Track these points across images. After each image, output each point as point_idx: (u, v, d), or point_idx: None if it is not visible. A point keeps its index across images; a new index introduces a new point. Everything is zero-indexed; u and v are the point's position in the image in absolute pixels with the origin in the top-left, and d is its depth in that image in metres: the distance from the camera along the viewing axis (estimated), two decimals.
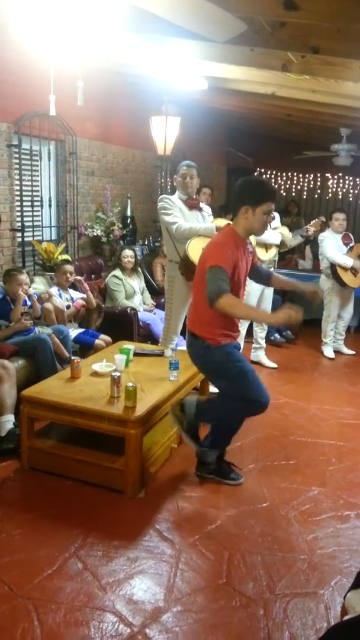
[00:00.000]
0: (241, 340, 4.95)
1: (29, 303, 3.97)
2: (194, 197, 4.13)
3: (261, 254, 4.71)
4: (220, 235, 2.89)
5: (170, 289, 4.13)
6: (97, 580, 2.29)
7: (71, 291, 4.58)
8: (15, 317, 3.82)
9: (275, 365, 5.16)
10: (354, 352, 5.73)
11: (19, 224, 4.72)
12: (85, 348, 4.31)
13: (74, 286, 4.60)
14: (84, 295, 4.56)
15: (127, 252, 5.21)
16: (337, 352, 5.71)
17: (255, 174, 9.88)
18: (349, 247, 5.49)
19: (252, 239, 3.72)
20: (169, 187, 7.29)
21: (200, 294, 2.79)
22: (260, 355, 5.24)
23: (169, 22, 1.87)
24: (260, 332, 5.17)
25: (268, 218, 2.76)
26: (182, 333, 4.56)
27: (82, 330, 4.49)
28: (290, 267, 6.57)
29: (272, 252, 4.82)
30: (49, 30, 3.10)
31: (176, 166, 4.19)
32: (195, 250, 3.80)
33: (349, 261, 5.33)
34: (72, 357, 3.50)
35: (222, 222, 4.15)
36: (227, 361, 2.84)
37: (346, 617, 1.70)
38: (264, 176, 9.52)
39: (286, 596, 2.23)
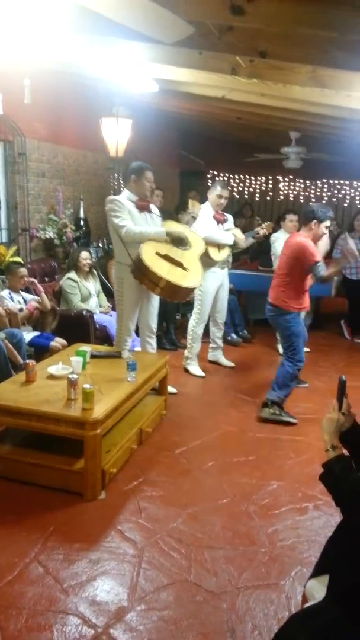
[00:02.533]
0: (198, 341, 5.00)
1: None
2: (146, 198, 4.10)
3: (214, 254, 4.77)
4: (301, 238, 3.96)
5: (120, 291, 4.07)
6: (58, 584, 2.26)
7: (23, 293, 4.50)
8: None
9: (232, 365, 5.23)
10: (308, 350, 5.86)
11: None
12: (40, 351, 4.25)
13: (27, 288, 4.52)
14: (37, 298, 4.49)
15: (85, 254, 5.17)
16: None
17: (208, 176, 10.01)
18: None
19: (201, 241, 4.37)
20: (122, 188, 7.27)
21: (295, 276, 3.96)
22: (217, 355, 5.30)
23: (117, 23, 1.88)
24: (217, 332, 5.23)
25: (327, 230, 3.95)
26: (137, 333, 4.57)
27: (36, 333, 4.42)
28: (246, 268, 6.67)
29: (225, 253, 4.89)
30: None
31: (128, 168, 4.15)
32: (148, 254, 3.78)
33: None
34: (27, 361, 3.44)
35: (172, 224, 4.17)
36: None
37: (306, 605, 1.75)
38: (219, 178, 9.64)
39: (248, 589, 2.27)
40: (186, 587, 2.27)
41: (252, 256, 7.10)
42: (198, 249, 4.17)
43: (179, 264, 3.88)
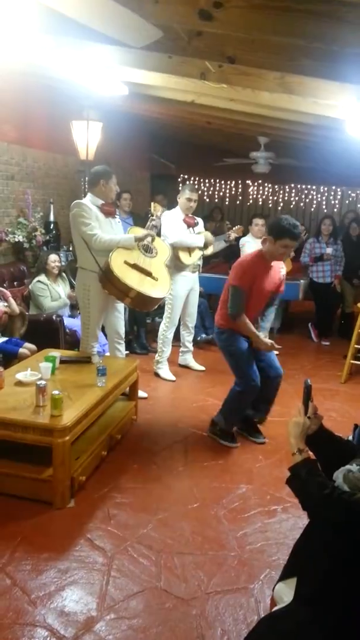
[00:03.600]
0: (169, 345, 4.99)
1: None
2: (110, 203, 4.07)
3: (184, 258, 4.78)
4: (247, 255, 3.60)
5: (87, 298, 3.99)
6: (26, 595, 2.22)
7: None
8: None
9: (203, 368, 5.24)
10: (277, 353, 5.91)
11: None
12: (8, 357, 4.17)
13: None
14: (6, 302, 4.41)
15: (54, 257, 5.11)
16: None
17: (179, 180, 10.02)
18: None
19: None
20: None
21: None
22: (188, 358, 5.30)
23: (85, 26, 1.86)
24: (187, 336, 5.23)
25: (287, 250, 3.38)
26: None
27: (5, 339, 4.33)
28: (216, 271, 6.69)
29: (196, 256, 4.90)
30: None
31: (94, 172, 4.10)
32: (118, 264, 3.74)
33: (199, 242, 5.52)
34: None
35: (138, 230, 4.13)
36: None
37: (275, 608, 1.75)
38: (188, 182, 9.66)
39: (218, 594, 2.27)
40: (156, 594, 2.25)
41: (226, 258, 7.16)
42: (164, 255, 4.16)
43: (148, 273, 3.87)
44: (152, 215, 4.24)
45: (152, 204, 4.43)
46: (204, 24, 2.35)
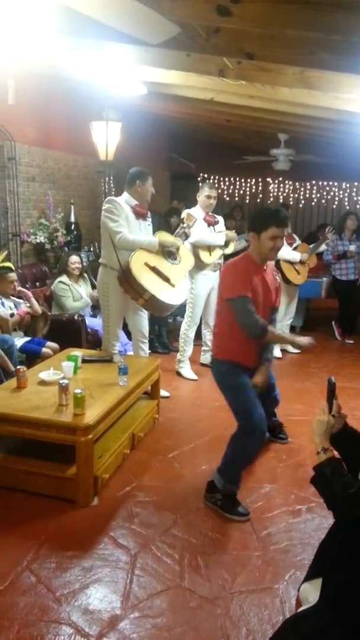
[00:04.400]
0: (190, 344, 4.98)
1: None
2: (144, 205, 4.08)
3: (205, 257, 4.76)
4: (235, 259, 2.93)
5: (106, 296, 4.04)
6: (51, 593, 2.23)
7: (14, 299, 4.46)
8: None
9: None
10: (299, 351, 5.88)
11: None
12: (32, 357, 4.21)
13: (18, 294, 4.49)
14: (28, 303, 4.46)
15: (74, 258, 5.14)
16: (283, 350, 5.83)
17: (198, 179, 10.00)
18: (293, 247, 5.67)
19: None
20: (112, 192, 7.25)
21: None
22: (209, 357, 5.28)
23: (103, 25, 1.87)
24: (209, 335, 5.21)
25: (276, 242, 2.74)
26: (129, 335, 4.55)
27: (28, 339, 4.38)
28: None
29: (217, 255, 4.88)
30: None
31: (119, 172, 4.16)
32: (137, 264, 3.75)
33: (297, 255, 5.52)
34: (18, 367, 3.41)
35: (165, 235, 4.13)
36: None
37: (300, 609, 1.73)
38: (208, 181, 9.62)
39: (242, 593, 2.25)
40: (180, 594, 2.25)
41: None
42: (186, 265, 4.16)
43: (166, 279, 3.87)
44: (184, 224, 4.28)
45: (187, 213, 4.46)
46: (222, 20, 2.34)
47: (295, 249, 5.67)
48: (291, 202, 9.78)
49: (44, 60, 4.08)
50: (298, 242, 5.84)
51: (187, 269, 4.17)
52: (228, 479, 2.81)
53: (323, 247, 6.04)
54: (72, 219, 6.21)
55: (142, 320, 4.24)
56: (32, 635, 2.01)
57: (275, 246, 2.74)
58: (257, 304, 2.76)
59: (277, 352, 5.72)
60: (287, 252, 5.52)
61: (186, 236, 4.31)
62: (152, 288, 3.70)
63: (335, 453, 1.70)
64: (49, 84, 5.48)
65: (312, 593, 1.70)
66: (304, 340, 2.88)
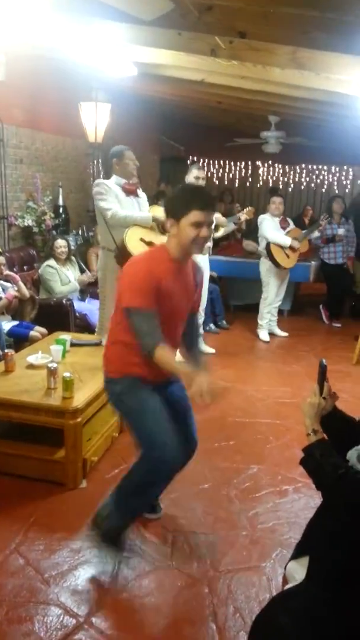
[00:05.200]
0: None
1: None
2: (132, 182, 4.06)
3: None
4: (140, 255, 2.24)
5: (104, 277, 4.07)
6: (39, 575, 2.24)
7: (2, 282, 4.42)
8: None
9: (212, 351, 5.23)
10: (287, 334, 5.90)
11: None
12: (19, 340, 4.19)
13: (6, 278, 4.45)
14: (16, 286, 4.42)
15: (60, 242, 5.10)
16: (270, 334, 5.86)
17: (188, 162, 9.92)
18: (286, 230, 5.67)
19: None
20: (101, 175, 7.17)
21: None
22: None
23: (96, 1, 1.82)
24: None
25: (200, 231, 2.04)
26: None
27: (16, 322, 4.35)
28: (226, 254, 6.65)
29: None
30: None
31: (108, 154, 4.11)
32: (133, 240, 3.75)
33: (287, 240, 5.51)
34: (6, 350, 3.39)
35: (159, 210, 4.11)
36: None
37: (287, 587, 1.76)
38: (196, 163, 9.53)
39: (230, 572, 2.28)
40: (168, 573, 2.27)
41: (245, 236, 7.16)
42: None
43: None
44: None
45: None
46: None
47: (287, 233, 5.66)
48: (280, 186, 9.76)
49: (33, 40, 4.00)
50: (292, 226, 5.83)
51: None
52: (120, 513, 2.29)
53: (316, 234, 6.04)
54: (61, 202, 6.14)
55: None
56: (20, 616, 2.02)
57: (198, 236, 2.03)
58: (169, 312, 2.12)
59: (265, 336, 5.75)
60: (278, 236, 5.51)
61: None
62: None
63: (325, 435, 1.72)
64: (38, 64, 5.37)
65: (298, 571, 1.73)
66: (204, 384, 1.90)
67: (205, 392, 1.89)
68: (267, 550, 2.43)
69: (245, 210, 5.16)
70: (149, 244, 3.82)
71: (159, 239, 3.89)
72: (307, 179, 9.78)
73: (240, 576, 2.26)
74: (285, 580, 2.05)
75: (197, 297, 2.36)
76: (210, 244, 4.99)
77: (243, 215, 5.08)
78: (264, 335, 5.76)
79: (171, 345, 2.15)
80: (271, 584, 2.21)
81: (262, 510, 2.73)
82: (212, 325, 5.95)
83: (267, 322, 5.83)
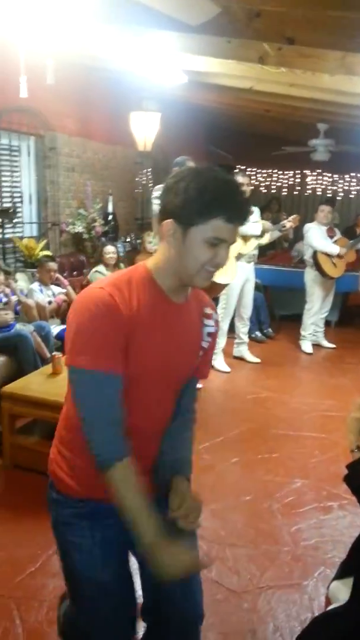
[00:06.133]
0: (223, 336, 4.94)
1: (3, 300, 3.91)
2: None
3: (240, 247, 4.70)
4: (103, 281, 1.27)
5: None
6: None
7: (53, 287, 4.53)
8: None
9: (258, 360, 5.16)
10: (334, 346, 5.77)
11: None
12: None
13: (56, 282, 4.56)
14: (65, 291, 4.53)
15: (109, 248, 5.18)
16: (317, 345, 5.73)
17: (235, 170, 9.90)
18: (333, 240, 5.55)
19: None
20: (150, 183, 7.26)
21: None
22: (242, 350, 5.24)
23: (144, 9, 1.85)
24: (242, 328, 5.17)
25: (218, 252, 1.24)
26: None
27: (64, 326, 4.44)
28: (272, 263, 6.58)
29: (252, 245, 4.80)
30: (20, 22, 3.05)
31: (157, 162, 4.18)
32: None
33: (335, 249, 5.37)
34: (54, 353, 3.45)
35: None
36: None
37: (330, 607, 1.70)
38: (243, 172, 9.48)
39: (270, 588, 2.23)
40: (207, 585, 2.23)
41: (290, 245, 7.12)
42: (234, 245, 4.18)
43: None
44: None
45: None
46: (263, 2, 2.29)
47: (335, 242, 5.53)
48: (329, 195, 9.59)
49: (84, 51, 4.10)
50: (338, 235, 5.69)
51: (234, 250, 4.19)
52: None
53: None
54: (110, 209, 6.26)
55: None
56: None
57: (212, 260, 1.24)
58: (152, 376, 1.29)
59: (308, 348, 5.63)
60: (326, 245, 5.40)
61: None
62: None
63: None
64: (89, 75, 5.51)
65: (342, 591, 1.66)
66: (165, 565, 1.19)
67: (179, 570, 1.20)
68: (310, 568, 2.36)
69: (290, 217, 5.08)
70: None
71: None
72: (358, 187, 9.57)
73: (282, 593, 2.20)
74: (328, 601, 1.98)
75: (208, 349, 1.43)
76: (255, 252, 4.94)
77: (288, 223, 5.01)
78: (306, 346, 5.64)
79: (149, 433, 1.36)
80: (313, 604, 2.15)
81: (305, 526, 2.66)
82: (257, 333, 5.88)
83: (311, 332, 5.71)
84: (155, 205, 3.94)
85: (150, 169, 7.34)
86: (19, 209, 5.03)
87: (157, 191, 4.00)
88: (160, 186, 4.02)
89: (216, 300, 5.13)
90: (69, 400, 1.34)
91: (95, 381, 1.19)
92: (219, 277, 3.76)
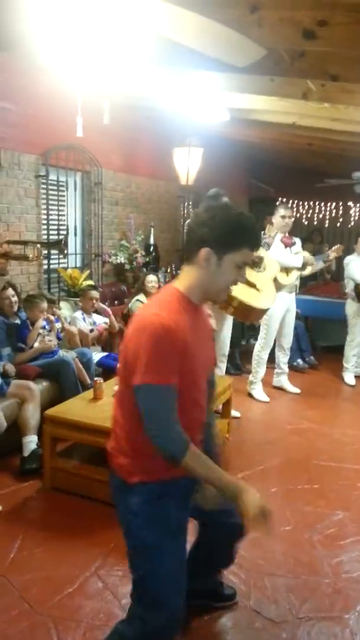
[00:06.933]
0: (263, 365, 4.92)
1: (47, 327, 4.05)
2: None
3: (282, 278, 4.73)
4: (155, 307, 1.56)
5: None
6: (117, 600, 2.27)
7: (95, 315, 4.66)
8: (31, 342, 3.90)
9: (298, 391, 5.12)
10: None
11: (45, 251, 4.85)
12: (108, 371, 4.35)
13: (98, 311, 4.69)
14: (107, 320, 4.64)
15: (151, 278, 5.29)
16: (359, 377, 5.64)
17: (277, 203, 10.00)
18: None
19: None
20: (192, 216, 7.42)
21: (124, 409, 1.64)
22: (282, 380, 5.21)
23: (191, 52, 1.97)
24: (282, 357, 5.15)
25: (242, 273, 1.62)
26: None
27: (105, 354, 4.54)
28: (314, 294, 6.56)
29: (294, 276, 4.83)
30: (76, 66, 3.26)
31: (198, 196, 4.32)
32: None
33: None
34: (95, 379, 3.54)
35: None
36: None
37: None
38: (286, 204, 9.56)
39: (310, 620, 2.18)
40: (245, 614, 2.21)
41: (333, 278, 7.13)
42: (272, 271, 4.25)
43: (252, 285, 3.94)
44: (265, 235, 4.46)
45: (267, 226, 4.60)
46: (308, 43, 2.39)
47: None
48: None
49: (132, 91, 4.31)
50: None
51: (273, 274, 4.25)
52: None
53: None
54: (152, 241, 6.42)
55: (225, 340, 4.35)
56: (97, 638, 2.05)
57: (238, 279, 1.62)
58: (193, 378, 1.58)
59: (351, 379, 5.53)
60: None
61: (268, 246, 4.44)
62: (240, 295, 3.77)
63: None
64: (135, 113, 5.76)
65: None
66: (251, 505, 1.53)
67: (262, 511, 1.52)
68: (352, 601, 2.30)
69: (334, 247, 5.08)
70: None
71: (249, 273, 3.97)
72: None
73: (322, 625, 2.15)
74: None
75: (213, 341, 1.93)
76: (297, 282, 4.96)
77: (332, 253, 5.02)
78: (349, 378, 5.56)
79: (197, 425, 1.65)
80: (355, 638, 2.08)
81: (347, 559, 2.59)
82: (299, 361, 5.84)
83: (353, 365, 5.63)
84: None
85: (191, 202, 7.52)
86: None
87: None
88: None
89: (256, 330, 5.14)
90: (131, 418, 1.60)
91: (162, 393, 1.50)
92: (254, 301, 3.80)
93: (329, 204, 9.93)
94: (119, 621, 1.80)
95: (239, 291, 3.79)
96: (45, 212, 4.84)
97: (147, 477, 1.61)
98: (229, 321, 4.29)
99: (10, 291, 3.95)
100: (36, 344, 3.93)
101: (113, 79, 3.80)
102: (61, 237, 4.64)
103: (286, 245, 4.84)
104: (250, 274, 3.98)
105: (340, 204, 9.83)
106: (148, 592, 1.66)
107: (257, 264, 4.11)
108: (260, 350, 4.93)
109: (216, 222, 1.56)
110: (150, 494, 1.62)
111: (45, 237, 4.84)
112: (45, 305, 4.06)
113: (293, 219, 4.93)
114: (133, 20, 1.79)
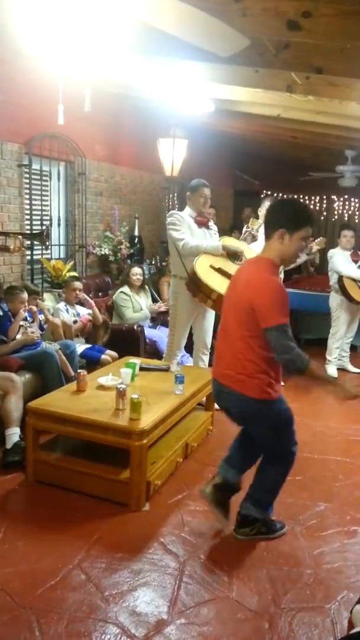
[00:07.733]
0: None
1: (29, 318, 4.01)
2: (204, 215, 4.22)
3: None
4: (264, 272, 2.34)
5: (175, 305, 4.20)
6: (100, 592, 2.26)
7: (78, 307, 4.63)
8: (12, 334, 3.86)
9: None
10: (359, 371, 5.72)
11: (28, 242, 4.79)
12: (91, 363, 4.33)
13: (81, 302, 4.66)
14: (90, 311, 4.61)
15: (136, 270, 5.27)
16: (342, 370, 5.69)
17: (262, 196, 10.00)
18: (358, 264, 5.55)
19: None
20: (176, 207, 7.38)
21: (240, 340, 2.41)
22: None
23: (175, 41, 1.94)
24: None
25: (307, 243, 2.47)
26: (187, 349, 4.62)
27: (88, 345, 4.52)
28: (298, 287, 6.58)
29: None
30: (58, 53, 3.21)
31: (183, 188, 4.30)
32: (202, 267, 3.86)
33: None
34: (78, 371, 3.52)
35: (230, 240, 4.22)
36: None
37: (353, 631, 1.68)
38: (272, 197, 9.58)
39: (292, 610, 2.20)
40: (227, 604, 2.22)
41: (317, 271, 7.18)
42: None
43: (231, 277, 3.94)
44: (249, 227, 4.46)
45: (251, 219, 4.61)
46: (292, 34, 2.38)
47: (359, 267, 5.53)
48: (357, 220, 9.60)
49: (115, 80, 4.26)
50: None
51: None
52: (266, 507, 2.67)
53: None
54: (136, 232, 6.38)
55: (208, 332, 4.36)
56: (79, 631, 2.05)
57: (302, 248, 2.41)
58: None
59: (333, 372, 5.58)
60: (351, 269, 5.41)
61: (253, 238, 4.44)
62: (219, 287, 3.76)
63: None
64: (119, 103, 5.70)
65: None
66: (345, 390, 2.46)
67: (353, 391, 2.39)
68: (332, 591, 2.32)
69: (316, 240, 5.10)
70: (218, 270, 3.90)
71: (229, 265, 3.98)
72: None
73: (303, 615, 2.17)
74: (351, 625, 1.96)
75: None
76: (281, 275, 4.97)
77: (315, 246, 5.03)
78: (332, 371, 5.60)
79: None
80: (336, 627, 2.11)
81: (329, 550, 2.62)
82: None
83: (336, 357, 5.67)
84: (171, 231, 4.06)
85: (176, 194, 7.49)
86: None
87: (170, 217, 4.12)
88: (173, 212, 4.14)
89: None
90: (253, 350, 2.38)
91: (287, 328, 2.24)
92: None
93: (313, 198, 9.97)
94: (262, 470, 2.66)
95: (218, 284, 3.78)
96: (28, 202, 4.78)
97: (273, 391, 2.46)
98: (210, 314, 4.28)
99: None
100: (18, 336, 3.89)
101: (95, 67, 3.74)
102: (43, 228, 4.58)
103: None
104: (230, 266, 3.97)
105: (325, 197, 9.88)
106: (290, 439, 2.57)
107: (238, 257, 4.10)
108: None
109: (284, 211, 2.38)
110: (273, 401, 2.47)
111: (28, 227, 4.78)
112: (25, 296, 4.01)
113: None
114: (114, 6, 1.76)
